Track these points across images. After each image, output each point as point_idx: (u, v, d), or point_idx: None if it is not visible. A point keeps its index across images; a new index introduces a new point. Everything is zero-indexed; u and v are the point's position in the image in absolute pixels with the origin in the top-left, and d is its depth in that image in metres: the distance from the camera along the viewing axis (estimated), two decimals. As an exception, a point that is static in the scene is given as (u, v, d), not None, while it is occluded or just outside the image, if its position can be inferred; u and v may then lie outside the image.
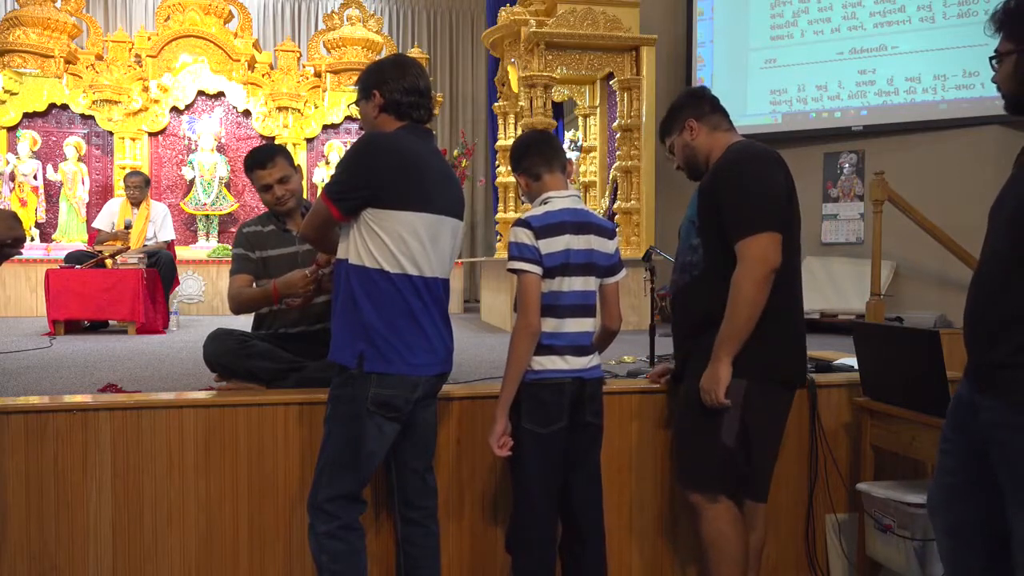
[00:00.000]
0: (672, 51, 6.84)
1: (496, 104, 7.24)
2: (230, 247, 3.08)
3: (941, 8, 5.83)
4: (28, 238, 5.71)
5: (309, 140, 8.38)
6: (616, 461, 2.62)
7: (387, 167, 1.99)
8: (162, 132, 8.06)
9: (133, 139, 7.84)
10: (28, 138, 7.53)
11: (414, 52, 8.76)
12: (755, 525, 2.28)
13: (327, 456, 2.06)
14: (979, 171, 5.43)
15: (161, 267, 5.60)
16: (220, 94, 8.18)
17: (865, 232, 6.05)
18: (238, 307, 2.68)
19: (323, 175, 8.18)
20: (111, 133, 7.83)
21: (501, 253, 6.59)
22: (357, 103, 2.20)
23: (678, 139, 2.31)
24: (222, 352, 2.62)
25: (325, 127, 8.41)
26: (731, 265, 2.05)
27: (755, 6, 6.56)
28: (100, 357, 3.94)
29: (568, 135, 7.71)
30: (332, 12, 9.00)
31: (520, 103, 6.16)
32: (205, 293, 7.63)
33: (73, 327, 5.34)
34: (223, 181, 8.02)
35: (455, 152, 8.53)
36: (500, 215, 6.85)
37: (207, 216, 8.01)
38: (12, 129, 7.61)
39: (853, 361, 2.85)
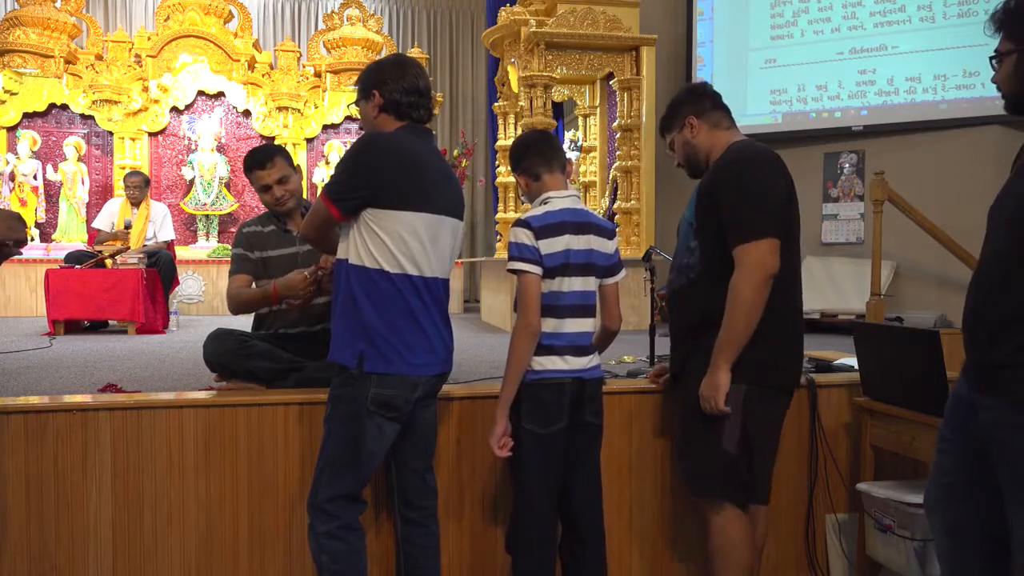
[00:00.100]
0: (672, 51, 6.84)
1: (496, 104, 7.24)
2: (230, 247, 3.08)
3: (941, 8, 5.83)
4: (29, 238, 5.72)
5: (309, 140, 8.38)
6: (616, 461, 2.62)
7: (387, 167, 1.99)
8: (162, 132, 8.06)
9: (133, 139, 7.84)
10: (28, 138, 7.53)
11: (414, 52, 8.76)
12: (755, 525, 2.27)
13: (327, 456, 2.06)
14: (979, 171, 5.43)
15: (161, 267, 5.60)
16: (220, 94, 8.18)
17: (865, 232, 6.05)
18: (237, 307, 2.68)
19: (323, 175, 8.17)
20: (111, 133, 7.83)
21: (501, 253, 6.59)
22: (357, 103, 2.20)
23: (678, 136, 2.29)
24: (222, 352, 2.62)
25: (325, 127, 8.41)
26: (728, 267, 2.04)
27: (755, 6, 6.56)
28: (100, 357, 3.94)
29: (568, 135, 7.71)
30: (332, 12, 9.00)
31: (520, 103, 6.16)
32: (205, 293, 7.63)
33: (73, 327, 5.34)
34: (223, 181, 8.02)
35: (455, 152, 8.53)
36: (500, 215, 6.85)
37: (207, 216, 8.01)
38: (12, 129, 7.61)
39: (853, 361, 2.85)
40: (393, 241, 1.98)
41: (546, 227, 2.10)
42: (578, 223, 2.14)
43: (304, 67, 8.60)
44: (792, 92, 6.44)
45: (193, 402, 2.39)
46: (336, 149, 8.27)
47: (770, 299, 2.02)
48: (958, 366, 1.76)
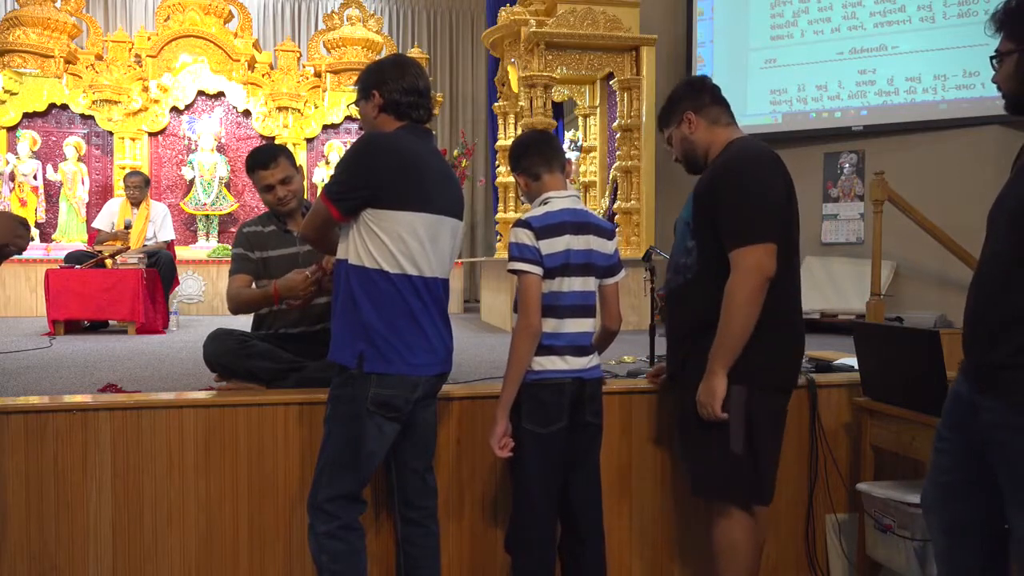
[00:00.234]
0: (672, 51, 6.83)
1: (496, 104, 7.24)
2: (230, 247, 3.08)
3: (941, 8, 5.82)
4: (30, 239, 5.72)
5: (309, 140, 8.38)
6: (616, 461, 2.62)
7: (387, 167, 1.99)
8: (162, 132, 8.06)
9: (133, 139, 7.84)
10: (28, 138, 7.53)
11: (414, 52, 8.76)
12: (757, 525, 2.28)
13: (327, 456, 2.06)
14: (979, 171, 5.43)
15: (161, 267, 5.60)
16: (220, 94, 8.18)
17: (865, 232, 6.05)
18: (237, 307, 2.67)
19: (323, 175, 8.17)
20: (111, 133, 7.83)
21: (501, 253, 6.59)
22: (357, 103, 2.20)
23: (676, 132, 2.27)
24: (222, 352, 2.62)
25: (325, 127, 8.41)
26: (725, 268, 2.03)
27: (755, 6, 6.56)
28: (100, 357, 3.94)
29: (568, 135, 7.71)
30: (332, 12, 9.00)
31: (520, 103, 6.16)
32: (205, 293, 7.63)
33: (73, 327, 5.34)
34: (223, 181, 8.02)
35: (455, 152, 8.53)
36: (500, 215, 6.85)
37: (207, 216, 8.01)
38: (12, 129, 7.61)
39: (853, 361, 2.85)
40: (393, 241, 1.98)
41: (546, 227, 2.10)
42: (578, 223, 2.14)
43: (304, 67, 8.60)
44: (792, 92, 6.44)
45: (193, 402, 2.39)
46: (336, 149, 8.27)
47: (770, 300, 2.00)
48: (958, 366, 1.76)
